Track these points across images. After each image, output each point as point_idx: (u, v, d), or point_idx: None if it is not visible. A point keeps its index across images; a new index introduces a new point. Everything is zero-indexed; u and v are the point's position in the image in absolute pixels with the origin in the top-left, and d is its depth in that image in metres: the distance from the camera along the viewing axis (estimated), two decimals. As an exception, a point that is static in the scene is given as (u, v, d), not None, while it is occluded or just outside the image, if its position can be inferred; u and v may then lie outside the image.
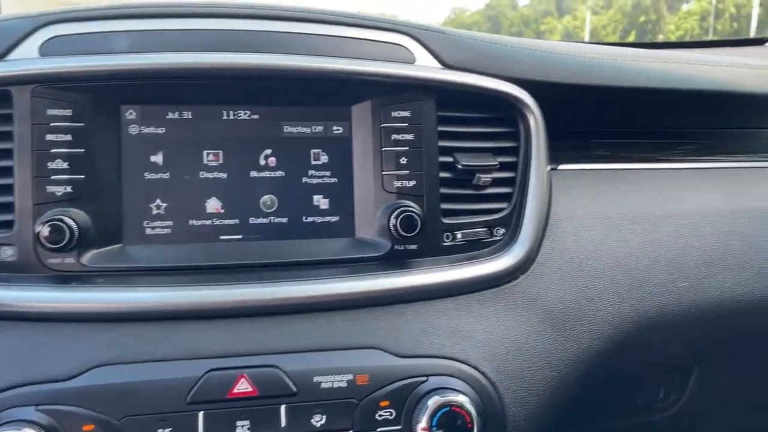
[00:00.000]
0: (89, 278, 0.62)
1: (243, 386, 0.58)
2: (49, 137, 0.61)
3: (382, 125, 0.68)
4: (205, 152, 0.66)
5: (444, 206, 0.69)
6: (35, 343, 0.58)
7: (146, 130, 0.65)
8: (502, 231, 0.71)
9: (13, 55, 0.62)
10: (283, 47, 0.67)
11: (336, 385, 0.59)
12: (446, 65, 0.71)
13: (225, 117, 0.67)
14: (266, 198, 0.67)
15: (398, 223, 0.65)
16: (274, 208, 0.68)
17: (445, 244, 0.69)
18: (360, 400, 0.59)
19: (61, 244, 0.59)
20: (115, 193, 0.64)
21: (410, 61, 0.70)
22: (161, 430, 0.56)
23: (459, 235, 0.70)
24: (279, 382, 0.58)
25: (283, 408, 0.58)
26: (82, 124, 0.63)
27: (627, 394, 0.83)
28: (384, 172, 0.68)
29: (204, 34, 0.66)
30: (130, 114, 0.65)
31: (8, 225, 0.61)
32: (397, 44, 0.71)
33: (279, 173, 0.68)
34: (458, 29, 0.76)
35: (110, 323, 0.59)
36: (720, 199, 0.82)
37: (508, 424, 0.65)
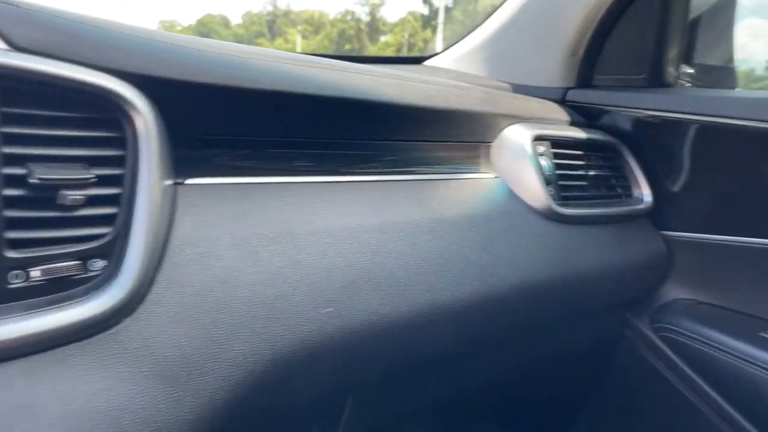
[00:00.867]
0: None
1: None
2: None
3: None
4: None
5: (11, 235, 0.51)
6: None
7: None
8: (101, 263, 0.55)
9: None
10: None
11: None
12: (15, 46, 0.53)
13: None
14: None
15: (-68, 262, 0.46)
16: None
17: (12, 286, 0.51)
18: None
19: None
20: None
21: (-44, 35, 0.51)
22: None
23: (36, 273, 0.52)
24: None
25: None
26: None
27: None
28: None
29: None
30: None
31: None
32: (-64, 13, 0.51)
33: None
34: (39, 2, 0.58)
35: None
36: (369, 213, 0.78)
37: None
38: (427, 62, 1.47)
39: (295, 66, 0.74)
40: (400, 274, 0.75)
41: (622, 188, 1.13)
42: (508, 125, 1.00)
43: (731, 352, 0.96)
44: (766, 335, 0.97)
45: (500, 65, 1.30)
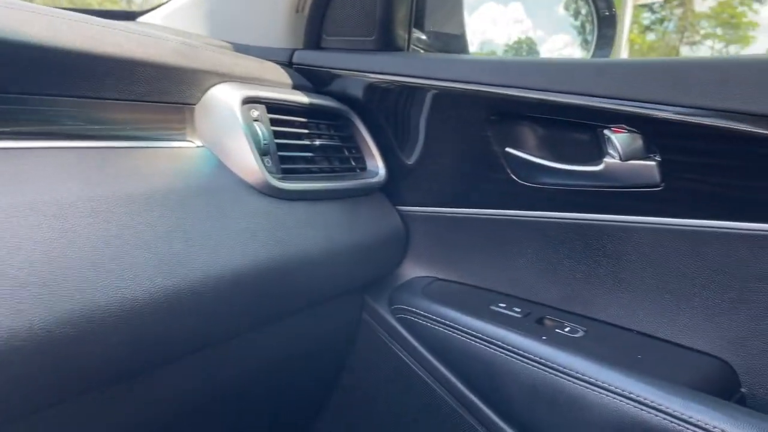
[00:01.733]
0: None
1: None
2: None
3: None
4: None
5: None
6: None
7: None
8: None
9: None
10: None
11: None
12: None
13: None
14: None
15: None
16: None
17: None
18: None
19: None
20: None
21: None
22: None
23: None
24: None
25: None
26: None
27: None
28: None
29: None
30: None
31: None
32: None
33: None
34: None
35: None
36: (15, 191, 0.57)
37: None
38: (142, 18, 1.25)
39: None
40: (36, 272, 0.55)
41: (356, 160, 1.04)
42: (214, 85, 0.84)
43: (463, 329, 0.91)
44: (495, 308, 0.93)
45: (222, 23, 1.14)
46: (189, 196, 0.73)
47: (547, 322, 0.91)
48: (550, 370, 0.81)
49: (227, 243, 0.73)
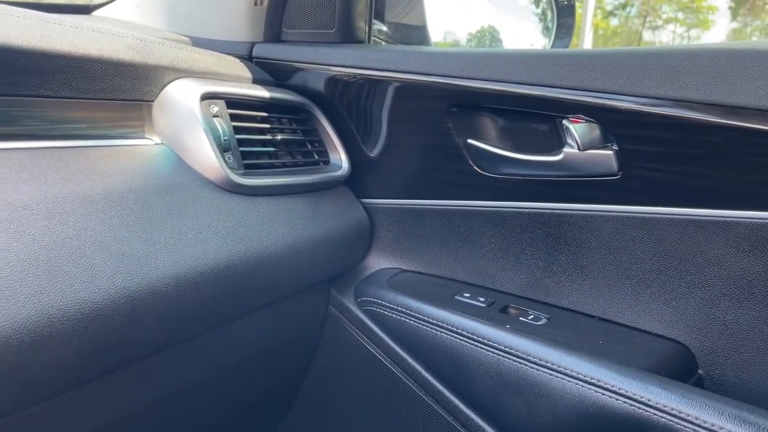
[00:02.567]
0: None
1: None
2: None
3: None
4: None
5: None
6: None
7: None
8: None
9: None
10: None
11: None
12: None
13: None
14: None
15: None
16: None
17: None
18: None
19: None
20: None
21: None
22: None
23: None
24: None
25: None
26: None
27: None
28: None
29: None
30: None
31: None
32: None
33: None
34: None
35: None
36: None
37: None
38: (97, 12, 1.22)
39: None
40: None
41: (319, 154, 1.03)
42: (171, 81, 0.83)
43: (429, 320, 0.92)
44: (460, 298, 0.94)
45: (180, 17, 1.12)
46: (148, 194, 0.72)
47: (511, 311, 0.92)
48: (514, 358, 0.82)
49: (188, 241, 0.73)
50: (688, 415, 0.67)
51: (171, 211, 0.73)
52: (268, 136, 0.94)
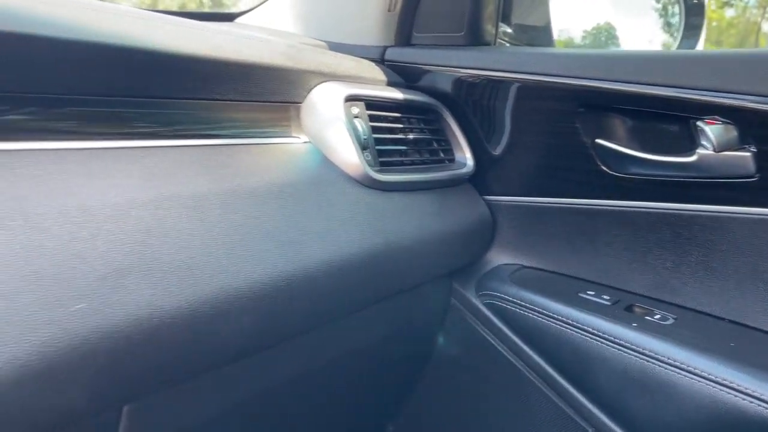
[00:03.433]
0: None
1: None
2: None
3: None
4: None
5: None
6: None
7: None
8: None
9: None
10: None
11: None
12: None
13: None
14: None
15: None
16: None
17: None
18: None
19: None
20: None
21: None
22: None
23: None
24: None
25: None
26: None
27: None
28: None
29: None
30: None
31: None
32: None
33: None
34: None
35: None
36: (142, 185, 0.64)
37: None
38: (239, 19, 1.32)
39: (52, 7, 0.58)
40: (182, 257, 0.62)
41: (444, 152, 1.08)
42: (318, 84, 0.90)
43: (552, 315, 0.94)
44: (584, 296, 0.96)
45: (316, 23, 1.20)
46: (300, 188, 0.80)
47: (637, 310, 0.93)
48: (641, 356, 0.83)
49: (335, 231, 0.79)
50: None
51: (318, 203, 0.80)
52: (400, 135, 0.99)
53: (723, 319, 0.89)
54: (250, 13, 1.31)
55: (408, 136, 1.01)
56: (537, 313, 0.96)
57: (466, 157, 1.08)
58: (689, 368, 0.78)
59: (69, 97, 0.65)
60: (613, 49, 1.52)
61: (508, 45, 1.17)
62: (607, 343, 0.87)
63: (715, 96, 0.81)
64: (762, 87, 0.77)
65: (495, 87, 1.02)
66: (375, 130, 0.94)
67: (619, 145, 0.93)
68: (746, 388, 0.73)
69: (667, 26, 1.86)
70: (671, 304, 0.93)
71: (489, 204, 1.10)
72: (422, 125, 1.05)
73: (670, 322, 0.88)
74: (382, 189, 0.90)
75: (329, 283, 0.77)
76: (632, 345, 0.84)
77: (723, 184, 0.84)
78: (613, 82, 0.90)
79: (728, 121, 0.82)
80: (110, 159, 0.65)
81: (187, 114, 0.76)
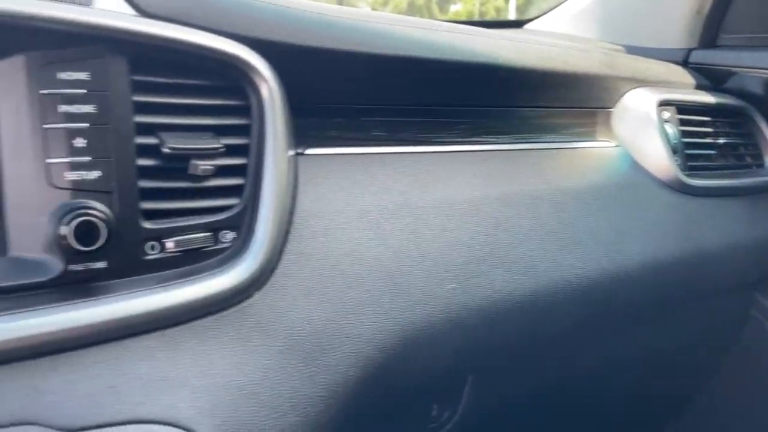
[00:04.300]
0: None
1: None
2: None
3: (42, 92, 0.47)
4: None
5: (146, 205, 0.50)
6: None
7: None
8: (231, 235, 0.54)
9: None
10: None
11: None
12: (143, 12, 0.52)
13: None
14: None
15: (73, 233, 0.45)
16: None
17: (149, 257, 0.50)
18: None
19: None
20: None
21: (86, 2, 0.50)
22: None
23: (170, 245, 0.51)
24: None
25: None
26: None
27: (392, 420, 0.72)
28: (50, 160, 0.47)
29: None
30: None
31: None
32: (69, -22, 0.50)
33: None
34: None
35: None
36: (489, 184, 0.74)
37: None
38: (528, 26, 1.39)
39: (414, 30, 0.70)
40: (523, 250, 0.71)
41: (752, 157, 1.04)
42: (630, 90, 0.93)
43: None
44: None
45: (613, 26, 1.22)
46: (615, 191, 0.84)
47: None
48: None
49: (649, 234, 0.82)
50: None
51: (633, 206, 0.84)
52: (709, 140, 0.98)
53: None
54: (538, 19, 1.37)
55: (717, 141, 0.99)
56: None
57: (776, 162, 1.03)
58: None
59: (427, 108, 0.76)
60: None
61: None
62: None
63: None
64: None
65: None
66: (685, 134, 0.94)
67: None
68: None
69: None
70: None
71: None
72: (729, 129, 1.03)
73: None
74: (692, 194, 0.90)
75: (643, 283, 0.81)
76: None
77: None
78: None
79: None
80: (461, 161, 0.75)
81: (518, 121, 0.84)
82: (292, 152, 0.59)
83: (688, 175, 0.91)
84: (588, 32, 1.25)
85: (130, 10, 0.51)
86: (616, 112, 0.93)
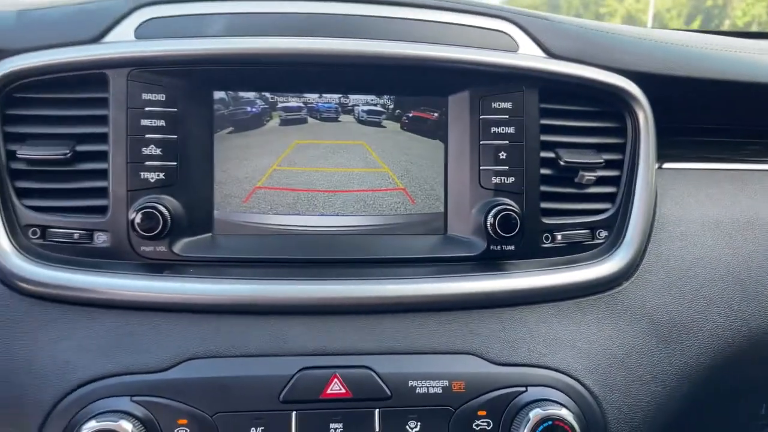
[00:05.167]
0: (180, 267, 0.61)
1: (336, 387, 0.56)
2: (144, 122, 0.60)
3: (480, 117, 0.64)
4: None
5: (544, 205, 0.65)
6: (128, 331, 0.57)
7: (239, 118, 0.64)
8: (604, 233, 0.67)
9: (109, 37, 0.61)
10: (378, 32, 0.64)
11: (431, 390, 0.57)
12: (551, 54, 0.66)
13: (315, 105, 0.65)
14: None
15: (496, 222, 0.62)
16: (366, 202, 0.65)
17: (544, 245, 0.65)
18: (456, 408, 0.57)
19: (154, 232, 0.58)
20: (207, 181, 0.63)
21: (513, 49, 0.66)
22: (254, 429, 0.54)
23: (559, 237, 0.66)
24: (373, 385, 0.56)
25: (377, 412, 0.56)
26: (175, 110, 0.61)
27: (728, 411, 0.77)
28: (481, 167, 0.64)
29: (297, 18, 0.64)
30: (223, 99, 0.63)
31: (102, 210, 0.60)
32: (500, 31, 0.67)
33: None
34: (560, 16, 0.71)
35: (201, 315, 0.58)
36: None
37: (611, 439, 0.61)
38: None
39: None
40: None
41: None
42: None
43: None
44: None
45: None
46: None
47: None
48: None
49: None
50: None
51: None
52: None
53: None
54: None
55: None
56: None
57: None
58: None
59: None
60: None
61: None
62: None
63: None
64: None
65: None
66: None
67: None
68: None
69: None
70: None
71: None
72: None
73: None
74: None
75: None
76: None
77: None
78: None
79: None
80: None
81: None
82: (655, 166, 0.69)
83: None
84: None
85: (542, 54, 0.66)
86: None
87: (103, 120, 0.60)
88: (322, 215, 0.65)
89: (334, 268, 0.63)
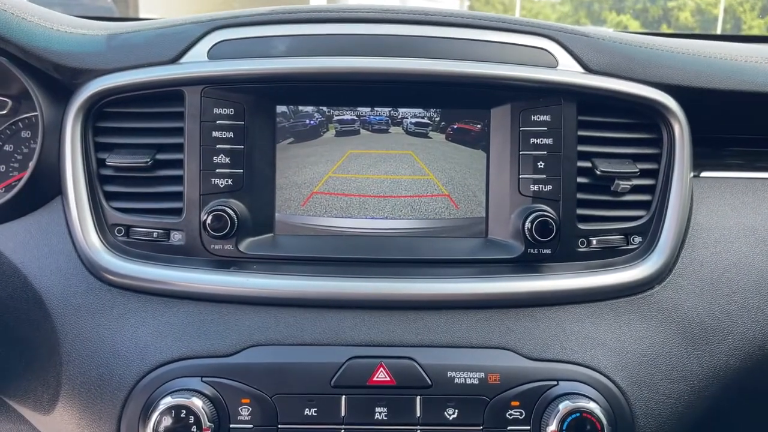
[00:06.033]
0: (245, 264, 0.68)
1: (381, 375, 0.62)
2: (215, 134, 0.68)
3: (521, 129, 0.69)
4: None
5: (580, 212, 0.69)
6: (199, 320, 0.64)
7: (298, 129, 0.71)
8: (638, 239, 0.70)
9: (185, 58, 0.69)
10: (427, 51, 0.70)
11: (468, 381, 0.62)
12: (589, 69, 0.70)
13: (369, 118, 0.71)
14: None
15: (533, 227, 0.66)
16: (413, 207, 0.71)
17: (579, 250, 0.69)
18: (491, 398, 0.62)
19: (223, 232, 0.65)
20: (270, 186, 0.70)
21: (552, 65, 0.70)
22: (308, 409, 0.61)
23: (594, 242, 0.70)
24: (415, 374, 0.62)
25: (418, 399, 0.62)
26: (242, 123, 0.68)
27: (755, 413, 0.79)
28: (521, 176, 0.69)
29: (352, 39, 0.70)
30: (284, 113, 0.70)
31: (178, 212, 0.68)
32: (540, 48, 0.71)
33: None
34: (601, 29, 0.75)
35: (263, 306, 0.65)
36: None
37: (637, 434, 0.65)
38: None
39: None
40: None
41: None
42: None
43: None
44: None
45: None
46: None
47: None
48: None
49: None
50: None
51: None
52: None
53: None
54: None
55: None
56: None
57: None
58: None
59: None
60: None
61: None
62: None
63: None
64: None
65: None
66: None
67: None
68: None
69: None
70: None
71: None
72: None
73: None
74: None
75: None
76: None
77: None
78: None
79: None
80: None
81: None
82: (690, 175, 0.72)
83: None
84: None
85: (580, 69, 0.70)
86: None
87: (179, 132, 0.68)
88: (372, 218, 0.71)
89: (382, 267, 0.69)
